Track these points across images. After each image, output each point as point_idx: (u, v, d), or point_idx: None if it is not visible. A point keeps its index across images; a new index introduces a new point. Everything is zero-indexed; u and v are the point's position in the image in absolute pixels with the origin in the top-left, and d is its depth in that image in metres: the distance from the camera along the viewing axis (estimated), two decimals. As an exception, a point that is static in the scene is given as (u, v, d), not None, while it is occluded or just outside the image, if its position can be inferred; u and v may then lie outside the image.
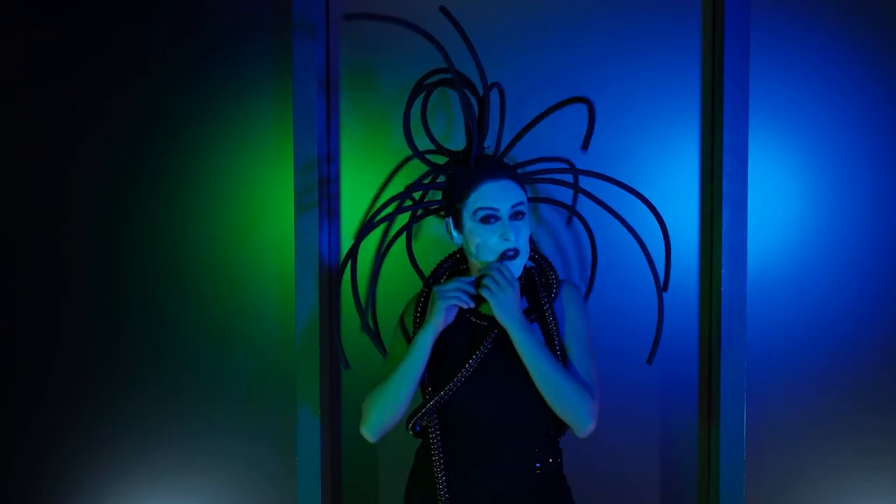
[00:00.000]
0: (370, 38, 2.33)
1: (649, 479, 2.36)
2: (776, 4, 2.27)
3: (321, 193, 2.31)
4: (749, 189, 2.24)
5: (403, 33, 2.28)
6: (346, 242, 2.38)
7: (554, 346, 1.86)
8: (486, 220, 1.81)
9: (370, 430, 1.88)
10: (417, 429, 1.88)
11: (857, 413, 2.32)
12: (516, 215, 1.82)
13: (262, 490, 2.44)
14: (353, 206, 2.38)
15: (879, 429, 2.32)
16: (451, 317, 1.83)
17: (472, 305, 1.82)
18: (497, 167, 1.86)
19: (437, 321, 1.81)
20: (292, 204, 2.33)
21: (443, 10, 1.95)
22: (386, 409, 1.85)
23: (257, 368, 2.42)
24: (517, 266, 1.83)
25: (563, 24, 2.31)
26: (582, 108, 2.26)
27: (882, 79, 2.28)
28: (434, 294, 1.82)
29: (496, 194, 1.81)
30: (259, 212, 2.41)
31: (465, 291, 1.81)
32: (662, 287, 2.01)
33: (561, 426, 1.89)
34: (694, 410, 2.35)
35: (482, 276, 1.83)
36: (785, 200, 2.30)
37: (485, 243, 1.82)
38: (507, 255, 1.81)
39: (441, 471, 1.84)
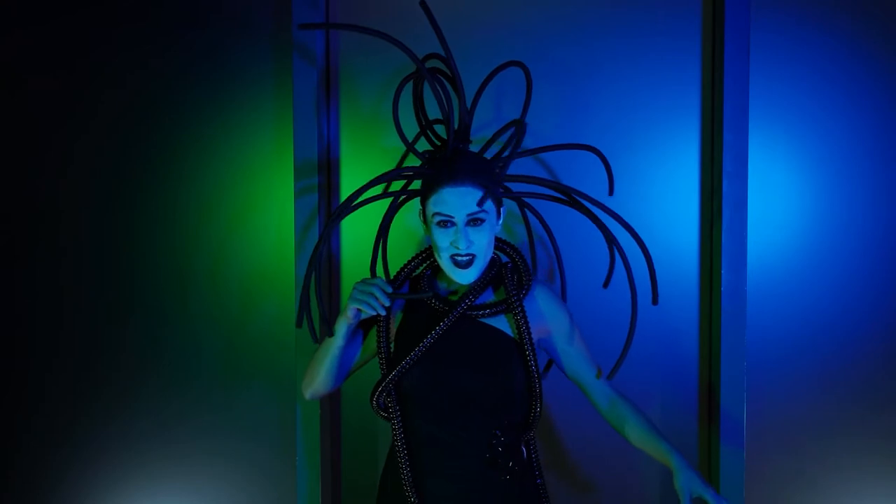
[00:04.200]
0: (370, 36, 2.33)
1: (649, 480, 2.36)
2: (776, 4, 2.27)
3: (321, 192, 2.31)
4: (749, 189, 2.25)
5: (403, 31, 2.28)
6: (346, 241, 2.38)
7: (523, 344, 1.85)
8: (441, 224, 1.83)
9: (303, 390, 1.96)
10: (381, 405, 1.91)
11: (857, 413, 2.32)
12: (473, 222, 1.82)
13: (262, 490, 2.44)
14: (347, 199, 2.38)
15: (879, 429, 2.32)
16: (364, 315, 1.86)
17: (383, 314, 1.82)
18: (461, 173, 1.82)
19: (347, 316, 1.84)
20: (292, 203, 2.33)
21: (422, 4, 1.92)
22: (312, 379, 1.93)
23: (257, 368, 2.42)
24: (473, 272, 1.83)
25: (564, 25, 2.31)
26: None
27: (882, 79, 2.28)
28: (353, 287, 1.84)
29: (453, 201, 1.81)
30: (259, 211, 2.41)
31: (376, 299, 1.81)
32: (652, 301, 2.00)
33: (526, 426, 1.89)
34: (694, 410, 2.35)
35: (404, 273, 1.94)
36: (785, 200, 2.31)
37: (438, 245, 1.83)
38: (458, 262, 1.82)
39: (404, 456, 1.86)
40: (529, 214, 2.25)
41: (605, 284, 2.07)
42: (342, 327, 1.86)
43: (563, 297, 2.20)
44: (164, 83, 2.42)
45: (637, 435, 1.91)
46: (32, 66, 2.47)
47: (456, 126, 1.93)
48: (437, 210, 1.83)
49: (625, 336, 1.88)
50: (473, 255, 1.82)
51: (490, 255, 1.86)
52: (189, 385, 2.45)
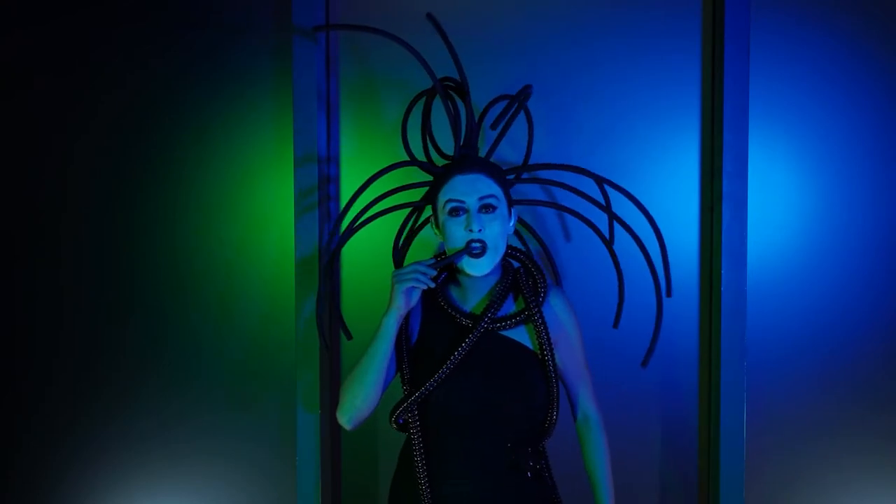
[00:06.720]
0: (370, 38, 2.33)
1: (649, 479, 2.36)
2: (776, 4, 2.27)
3: (321, 194, 2.31)
4: (749, 189, 2.24)
5: (403, 34, 2.28)
6: (347, 247, 2.38)
7: (543, 352, 1.85)
8: (454, 212, 1.82)
9: (343, 415, 1.87)
10: (400, 421, 1.89)
11: (857, 413, 2.32)
12: (485, 208, 1.81)
13: (262, 490, 2.44)
14: (352, 207, 2.38)
15: (879, 429, 2.32)
16: (414, 299, 1.82)
17: (433, 286, 1.81)
18: (472, 163, 1.86)
19: (398, 305, 1.81)
20: (292, 204, 2.33)
21: (429, 17, 1.96)
22: (355, 394, 1.85)
23: (257, 368, 2.42)
24: (486, 263, 1.82)
25: (564, 25, 2.31)
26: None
27: (882, 79, 2.28)
28: (392, 278, 1.82)
29: (464, 187, 1.82)
30: (259, 212, 2.41)
31: (422, 273, 1.79)
32: (666, 293, 2.01)
33: (543, 432, 1.90)
34: (694, 410, 2.35)
35: (439, 255, 1.91)
36: (785, 200, 2.31)
37: (452, 236, 1.82)
38: (473, 250, 1.81)
39: (423, 468, 1.84)
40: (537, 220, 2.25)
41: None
42: (392, 321, 1.83)
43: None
44: (164, 83, 2.42)
45: (587, 464, 1.94)
46: (32, 66, 2.47)
47: (463, 137, 1.96)
48: (448, 197, 1.83)
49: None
50: (484, 243, 1.81)
51: (503, 250, 1.85)
52: (189, 385, 2.45)
